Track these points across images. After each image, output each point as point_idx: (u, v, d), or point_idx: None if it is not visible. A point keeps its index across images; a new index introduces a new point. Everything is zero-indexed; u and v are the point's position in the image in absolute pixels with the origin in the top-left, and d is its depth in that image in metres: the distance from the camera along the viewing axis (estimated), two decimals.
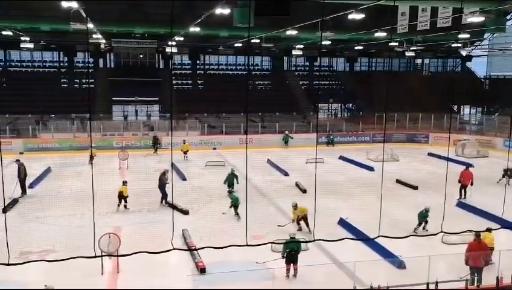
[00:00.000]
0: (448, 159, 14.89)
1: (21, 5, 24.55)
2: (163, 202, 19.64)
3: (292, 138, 35.75)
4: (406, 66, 57.33)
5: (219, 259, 13.31)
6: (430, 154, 32.53)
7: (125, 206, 19.19)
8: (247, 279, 12.37)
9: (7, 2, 22.24)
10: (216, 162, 28.22)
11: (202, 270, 13.09)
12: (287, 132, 36.00)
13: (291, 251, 12.93)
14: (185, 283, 12.54)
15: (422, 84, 49.94)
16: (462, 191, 20.94)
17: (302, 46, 38.55)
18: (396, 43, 35.48)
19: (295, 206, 16.56)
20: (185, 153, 29.78)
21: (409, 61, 55.53)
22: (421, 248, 14.01)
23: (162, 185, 19.65)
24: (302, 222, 16.59)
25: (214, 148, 34.36)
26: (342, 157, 30.92)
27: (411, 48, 36.93)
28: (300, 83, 50.88)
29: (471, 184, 21.13)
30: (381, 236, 10.96)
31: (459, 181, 20.91)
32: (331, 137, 36.99)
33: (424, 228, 16.41)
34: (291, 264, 13.01)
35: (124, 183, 19.75)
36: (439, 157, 30.44)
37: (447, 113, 36.89)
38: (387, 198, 16.38)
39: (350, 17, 20.06)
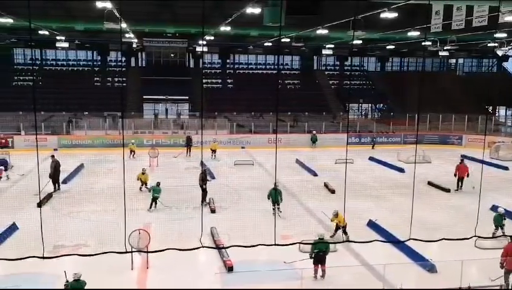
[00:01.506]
0: (482, 162, 14.49)
1: (57, 5, 25.16)
2: (204, 201, 19.05)
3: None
4: (439, 66, 56.14)
5: (247, 258, 13.32)
6: (464, 156, 31.66)
7: (142, 188, 21.25)
8: (274, 279, 12.36)
9: (44, 2, 22.83)
10: (244, 161, 28.29)
11: (230, 269, 13.13)
12: (314, 132, 35.71)
13: (319, 252, 12.80)
14: (213, 281, 12.63)
15: (456, 85, 48.77)
16: (459, 183, 22.64)
17: (332, 46, 38.22)
18: (430, 43, 34.75)
19: (336, 215, 15.74)
20: (214, 151, 29.88)
21: (442, 61, 54.35)
22: (452, 252, 13.65)
23: (203, 182, 19.57)
24: (339, 231, 15.84)
25: (243, 147, 34.45)
26: (371, 158, 30.51)
27: (445, 48, 36.08)
28: (330, 82, 50.50)
29: (467, 176, 22.31)
30: (412, 239, 10.76)
31: (455, 175, 22.80)
32: (375, 138, 36.19)
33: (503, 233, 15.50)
34: (319, 265, 12.89)
35: (144, 171, 21.83)
36: (472, 159, 29.62)
37: (481, 115, 35.90)
38: (418, 200, 16.08)
39: (383, 15, 19.76)
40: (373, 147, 35.38)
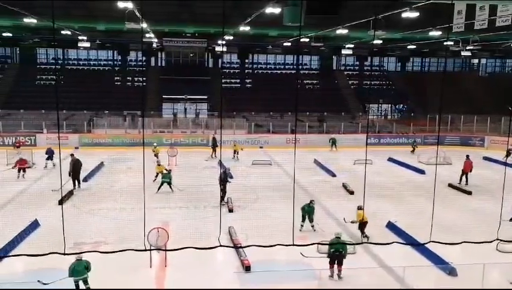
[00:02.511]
0: (506, 164, 14.21)
1: (80, 5, 25.53)
2: (223, 201, 19.12)
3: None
4: (461, 66, 55.27)
5: (264, 258, 13.31)
6: (486, 158, 31.16)
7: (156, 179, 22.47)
8: (292, 279, 12.34)
9: (67, 2, 23.20)
10: (263, 161, 28.28)
11: (247, 268, 13.14)
12: (333, 135, 34.83)
13: (335, 252, 12.69)
14: (230, 280, 12.66)
15: (478, 85, 47.93)
16: (463, 177, 23.88)
17: (352, 45, 37.95)
18: (452, 43, 34.23)
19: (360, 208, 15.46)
20: (235, 152, 29.89)
21: (464, 61, 53.50)
22: (473, 255, 13.43)
23: (223, 182, 19.60)
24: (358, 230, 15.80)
25: (261, 147, 34.46)
26: (391, 159, 30.20)
27: (467, 48, 35.50)
28: (350, 82, 50.15)
29: (470, 171, 23.91)
30: (433, 242, 10.60)
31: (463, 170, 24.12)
32: (415, 140, 34.76)
33: None
34: (335, 265, 12.79)
35: (159, 164, 23.40)
36: (495, 161, 29.14)
37: (504, 116, 35.22)
38: (439, 203, 15.82)
39: (404, 15, 19.54)
40: (413, 150, 32.97)
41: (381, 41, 34.44)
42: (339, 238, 13.10)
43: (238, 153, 29.97)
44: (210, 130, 36.09)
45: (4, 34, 37.01)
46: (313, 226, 16.22)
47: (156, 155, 27.04)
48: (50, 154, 25.44)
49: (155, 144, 28.28)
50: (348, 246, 13.23)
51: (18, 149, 27.50)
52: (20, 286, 11.65)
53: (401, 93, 48.65)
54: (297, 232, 13.82)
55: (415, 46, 40.64)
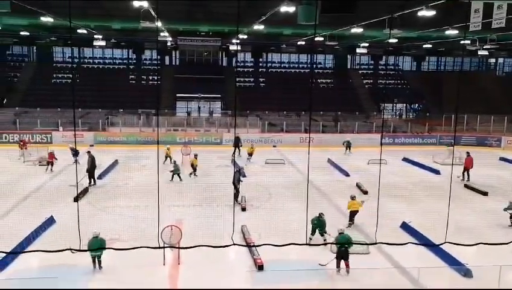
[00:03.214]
0: None
1: (96, 4, 25.75)
2: (237, 200, 19.19)
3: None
4: (478, 65, 54.54)
5: (277, 257, 13.28)
6: (502, 159, 30.73)
7: (192, 174, 24.05)
8: (304, 278, 12.32)
9: (84, 2, 23.43)
10: (276, 160, 28.25)
11: (260, 267, 13.14)
12: (348, 138, 33.10)
13: (340, 247, 12.91)
14: (243, 279, 12.68)
15: (495, 85, 47.29)
16: (465, 173, 24.44)
17: (367, 44, 37.68)
18: (469, 42, 33.77)
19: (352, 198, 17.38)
20: (250, 155, 28.96)
21: (481, 60, 52.77)
22: (489, 256, 13.24)
23: (237, 181, 19.58)
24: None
25: (274, 146, 34.42)
26: (405, 159, 29.94)
27: (484, 47, 34.99)
28: (364, 82, 49.84)
29: (471, 167, 24.47)
30: (448, 243, 10.46)
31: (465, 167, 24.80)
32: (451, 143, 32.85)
33: None
34: (342, 260, 12.97)
35: (196, 156, 24.42)
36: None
37: None
38: (454, 203, 15.72)
39: (420, 14, 19.32)
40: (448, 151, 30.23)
41: (396, 40, 34.12)
42: (342, 233, 13.31)
43: (251, 156, 28.95)
44: (223, 129, 36.15)
45: (22, 33, 37.49)
46: (325, 240, 14.71)
47: (168, 157, 26.83)
48: (75, 152, 25.18)
49: (168, 146, 28.28)
50: (361, 246, 13.18)
51: (23, 148, 27.47)
52: (35, 281, 11.80)
53: (417, 93, 48.21)
54: (310, 231, 13.79)
55: (430, 45, 40.19)
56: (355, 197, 17.57)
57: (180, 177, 23.08)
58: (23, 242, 14.10)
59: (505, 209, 17.14)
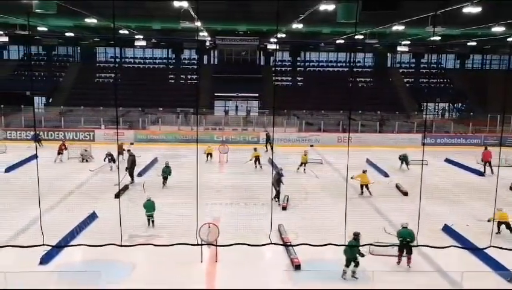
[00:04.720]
0: None
1: (137, 5, 26.30)
2: (277, 199, 19.07)
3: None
4: None
5: (314, 257, 13.19)
6: None
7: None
8: (341, 279, 12.19)
9: (126, 3, 23.97)
10: (313, 159, 27.98)
11: (297, 267, 13.07)
12: (405, 153, 27.03)
13: (402, 241, 13.05)
14: (280, 278, 12.65)
15: None
16: (486, 167, 25.38)
17: (408, 42, 36.83)
18: None
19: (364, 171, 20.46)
20: (303, 165, 25.80)
21: None
22: None
23: (277, 182, 19.24)
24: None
25: (311, 146, 34.13)
26: (448, 160, 29.06)
27: None
28: (405, 80, 48.77)
29: (491, 159, 24.83)
30: (493, 247, 10.08)
31: (482, 160, 25.72)
32: None
33: None
34: (403, 253, 13.18)
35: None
36: None
37: None
38: (499, 206, 15.21)
39: (465, 10, 18.67)
40: None
41: (439, 38, 33.17)
42: (406, 228, 13.27)
43: (305, 165, 25.58)
44: (260, 128, 36.18)
45: (67, 34, 38.77)
46: (354, 272, 12.69)
47: (209, 154, 27.28)
48: (111, 157, 24.55)
49: (208, 144, 28.58)
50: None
51: (62, 152, 27.80)
52: (79, 274, 12.17)
53: (460, 92, 46.80)
54: (348, 232, 13.54)
55: (475, 43, 38.86)
56: (366, 171, 21.35)
57: (165, 181, 21.61)
58: (67, 236, 14.58)
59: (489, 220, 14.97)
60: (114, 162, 23.72)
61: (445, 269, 12.99)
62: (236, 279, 12.44)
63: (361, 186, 20.72)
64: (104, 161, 24.33)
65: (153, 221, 16.35)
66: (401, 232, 13.33)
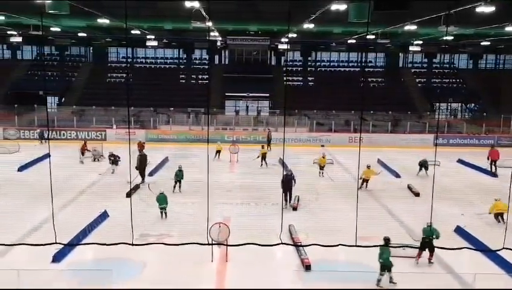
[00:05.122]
0: None
1: (149, 5, 26.43)
2: (288, 203, 18.75)
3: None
4: None
5: (324, 257, 13.15)
6: None
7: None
8: (352, 280, 12.12)
9: (137, 3, 24.11)
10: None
11: (307, 267, 13.04)
12: (425, 158, 24.77)
13: (425, 238, 13.23)
14: (290, 278, 12.63)
15: None
16: (493, 166, 25.48)
17: (420, 42, 36.54)
18: None
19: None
20: (322, 168, 25.00)
21: None
22: None
23: (288, 186, 18.75)
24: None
25: (322, 146, 34.03)
26: (460, 161, 28.79)
27: None
28: (417, 80, 48.41)
29: (498, 158, 25.28)
30: (506, 248, 9.95)
31: (488, 158, 25.85)
32: None
33: None
34: (423, 252, 13.37)
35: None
36: None
37: None
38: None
39: (478, 9, 18.47)
40: None
41: (452, 38, 32.85)
42: (430, 226, 13.33)
43: (323, 168, 24.72)
44: (271, 128, 36.15)
45: (79, 34, 39.10)
46: (391, 277, 12.28)
47: (218, 152, 27.51)
48: (113, 157, 24.34)
49: (219, 142, 28.69)
50: (413, 249, 12.86)
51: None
52: (90, 273, 12.27)
53: (473, 92, 46.32)
54: (360, 232, 13.45)
55: (489, 43, 38.44)
56: (370, 166, 21.86)
57: (179, 185, 21.05)
58: (79, 235, 14.70)
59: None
60: (116, 164, 23.73)
61: (458, 270, 12.88)
62: (247, 279, 12.44)
63: (363, 181, 21.45)
64: (109, 162, 24.01)
65: (165, 213, 17.28)
66: (425, 231, 13.48)
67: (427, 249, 13.43)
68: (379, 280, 12.10)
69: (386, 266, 12.06)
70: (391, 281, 12.14)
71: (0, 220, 15.91)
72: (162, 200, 17.33)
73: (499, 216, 16.85)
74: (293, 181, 19.19)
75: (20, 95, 41.02)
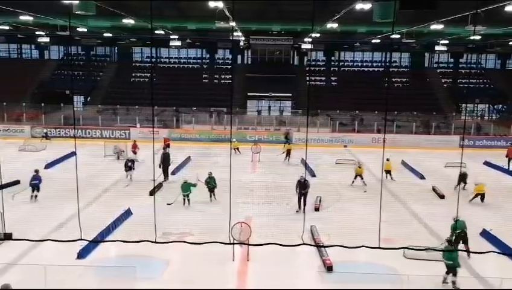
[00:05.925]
0: None
1: (173, 5, 26.69)
2: (302, 208, 18.03)
3: None
4: None
5: (346, 259, 13.06)
6: None
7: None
8: (374, 282, 12.01)
9: (162, 3, 24.38)
10: (347, 160, 27.68)
11: (329, 268, 12.96)
12: (465, 170, 20.81)
13: (460, 232, 13.38)
14: (312, 279, 12.58)
15: None
16: (510, 163, 25.99)
17: (446, 42, 35.88)
18: None
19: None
20: (359, 177, 22.93)
21: None
22: None
23: (303, 191, 18.20)
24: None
25: (345, 146, 33.80)
26: (487, 163, 28.16)
27: None
28: (443, 81, 47.56)
29: None
30: None
31: (506, 156, 26.29)
32: None
33: None
34: (463, 245, 13.54)
35: (233, 140, 24.58)
36: None
37: None
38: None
39: (507, 8, 18.04)
40: None
41: (479, 37, 32.15)
42: (459, 219, 13.59)
43: (362, 177, 22.75)
44: (293, 128, 36.06)
45: (105, 34, 39.71)
46: (454, 282, 12.11)
47: (235, 149, 27.48)
48: (131, 162, 23.23)
49: (234, 139, 28.68)
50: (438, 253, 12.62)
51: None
52: (115, 269, 12.44)
53: (501, 93, 45.22)
54: (382, 234, 13.31)
55: None
56: (389, 159, 22.48)
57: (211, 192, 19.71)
58: (103, 232, 14.94)
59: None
60: (132, 169, 22.58)
61: (483, 274, 12.60)
62: (268, 279, 12.44)
63: (386, 172, 22.03)
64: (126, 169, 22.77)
65: (188, 200, 18.53)
66: (457, 225, 13.55)
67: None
68: (444, 279, 12.17)
69: (450, 268, 11.96)
70: (454, 286, 11.92)
71: (28, 216, 16.32)
72: (186, 188, 18.58)
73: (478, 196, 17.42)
74: (307, 187, 18.48)
75: (47, 94, 41.86)
